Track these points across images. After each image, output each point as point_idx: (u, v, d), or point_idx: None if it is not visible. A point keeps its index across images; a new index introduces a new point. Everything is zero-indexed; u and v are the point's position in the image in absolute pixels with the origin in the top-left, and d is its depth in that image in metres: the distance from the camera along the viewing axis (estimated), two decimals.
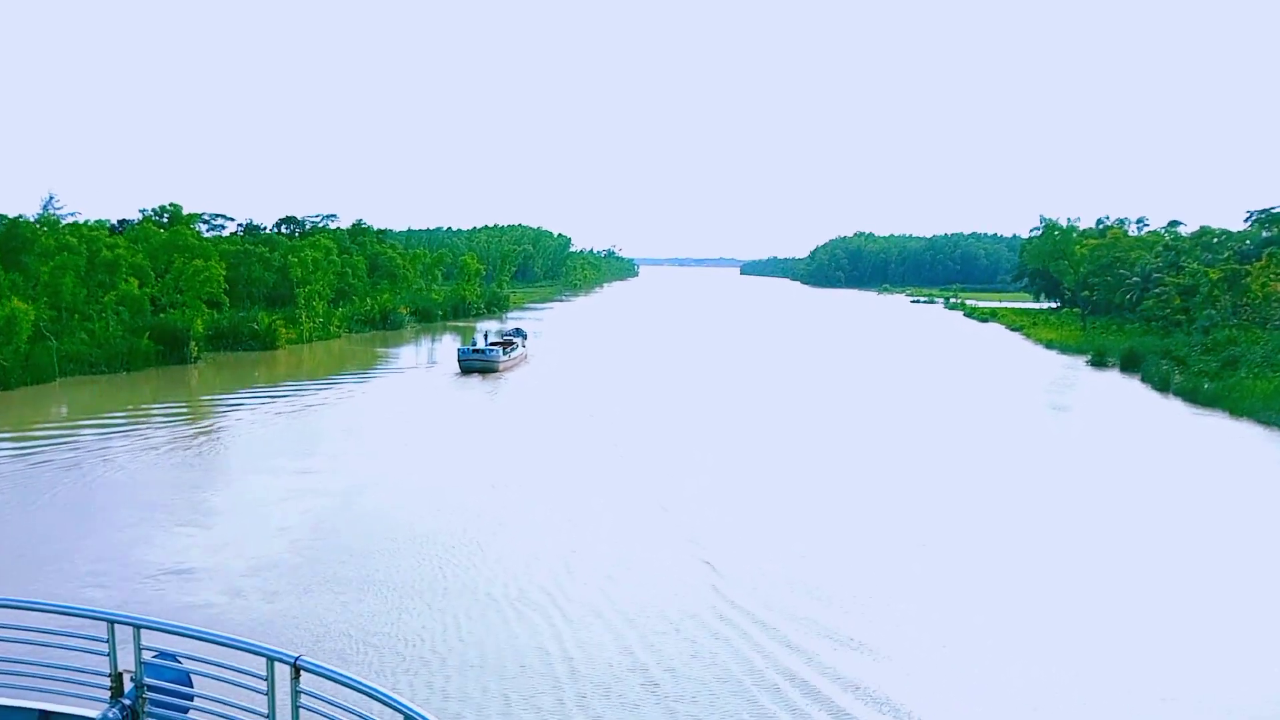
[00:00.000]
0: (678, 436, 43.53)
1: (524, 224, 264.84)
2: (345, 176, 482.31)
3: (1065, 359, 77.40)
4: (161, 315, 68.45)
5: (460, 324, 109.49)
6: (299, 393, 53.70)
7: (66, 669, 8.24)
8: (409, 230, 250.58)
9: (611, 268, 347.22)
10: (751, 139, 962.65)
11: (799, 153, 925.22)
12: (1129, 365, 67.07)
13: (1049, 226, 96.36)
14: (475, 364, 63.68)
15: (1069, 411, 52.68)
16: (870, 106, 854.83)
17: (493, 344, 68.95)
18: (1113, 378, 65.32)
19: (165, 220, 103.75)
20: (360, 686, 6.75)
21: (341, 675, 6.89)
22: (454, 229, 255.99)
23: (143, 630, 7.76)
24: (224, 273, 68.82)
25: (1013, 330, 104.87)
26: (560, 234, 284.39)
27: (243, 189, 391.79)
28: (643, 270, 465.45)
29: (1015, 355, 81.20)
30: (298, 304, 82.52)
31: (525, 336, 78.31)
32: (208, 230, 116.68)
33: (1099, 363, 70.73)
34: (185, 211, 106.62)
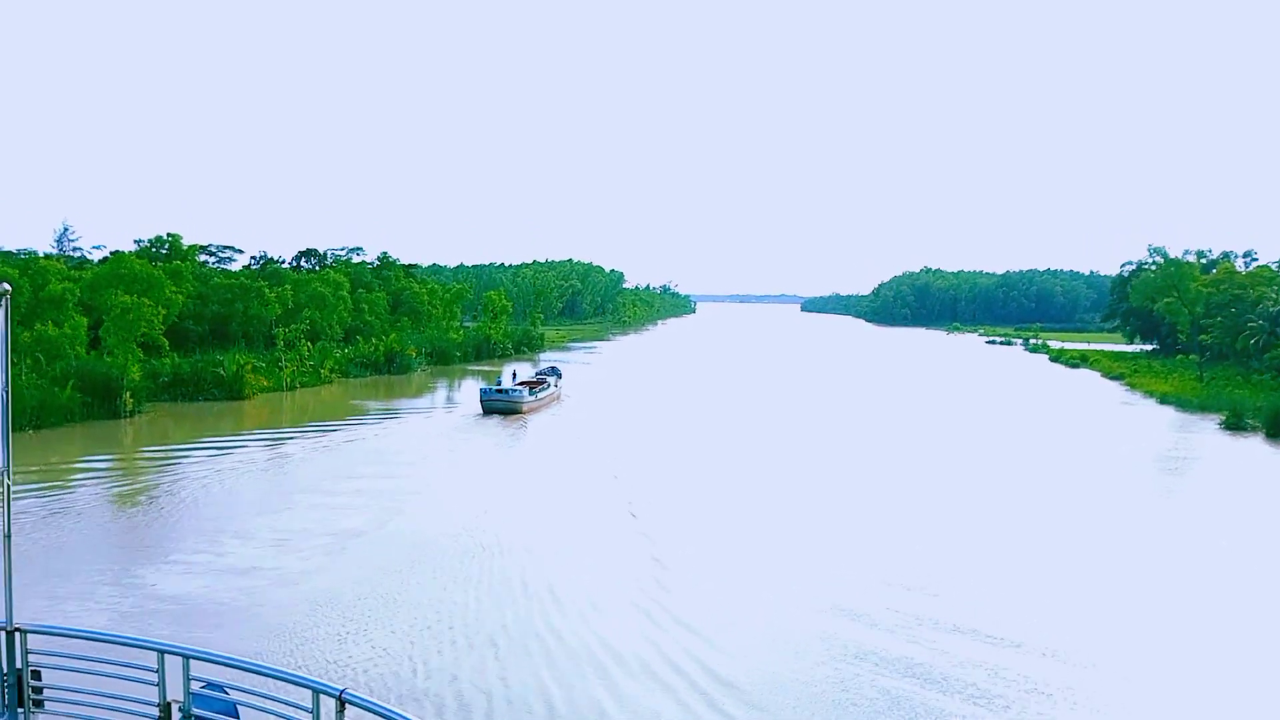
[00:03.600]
0: (722, 515, 34.21)
1: (575, 259, 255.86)
2: (400, 213, 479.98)
3: (1186, 418, 63.46)
4: (108, 359, 58.81)
5: (483, 367, 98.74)
6: (238, 449, 42.63)
7: (115, 698, 8.42)
8: (459, 266, 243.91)
9: (666, 304, 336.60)
10: (814, 172, 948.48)
11: (863, 186, 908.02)
12: (1278, 431, 53.30)
13: (1164, 259, 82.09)
14: (498, 404, 60.02)
15: (1225, 504, 39.25)
16: (937, 138, 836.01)
17: (521, 383, 65.44)
18: (1258, 448, 51.54)
19: (164, 251, 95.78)
20: None
21: (385, 709, 6.91)
22: (505, 265, 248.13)
23: (191, 660, 7.91)
24: (159, 310, 58.40)
25: (1110, 378, 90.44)
26: (613, 270, 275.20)
27: (292, 224, 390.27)
28: (700, 307, 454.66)
29: (1123, 412, 67.34)
30: (277, 346, 72.20)
31: (559, 375, 73.31)
32: (215, 263, 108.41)
33: (1235, 425, 56.73)
34: (186, 242, 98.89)
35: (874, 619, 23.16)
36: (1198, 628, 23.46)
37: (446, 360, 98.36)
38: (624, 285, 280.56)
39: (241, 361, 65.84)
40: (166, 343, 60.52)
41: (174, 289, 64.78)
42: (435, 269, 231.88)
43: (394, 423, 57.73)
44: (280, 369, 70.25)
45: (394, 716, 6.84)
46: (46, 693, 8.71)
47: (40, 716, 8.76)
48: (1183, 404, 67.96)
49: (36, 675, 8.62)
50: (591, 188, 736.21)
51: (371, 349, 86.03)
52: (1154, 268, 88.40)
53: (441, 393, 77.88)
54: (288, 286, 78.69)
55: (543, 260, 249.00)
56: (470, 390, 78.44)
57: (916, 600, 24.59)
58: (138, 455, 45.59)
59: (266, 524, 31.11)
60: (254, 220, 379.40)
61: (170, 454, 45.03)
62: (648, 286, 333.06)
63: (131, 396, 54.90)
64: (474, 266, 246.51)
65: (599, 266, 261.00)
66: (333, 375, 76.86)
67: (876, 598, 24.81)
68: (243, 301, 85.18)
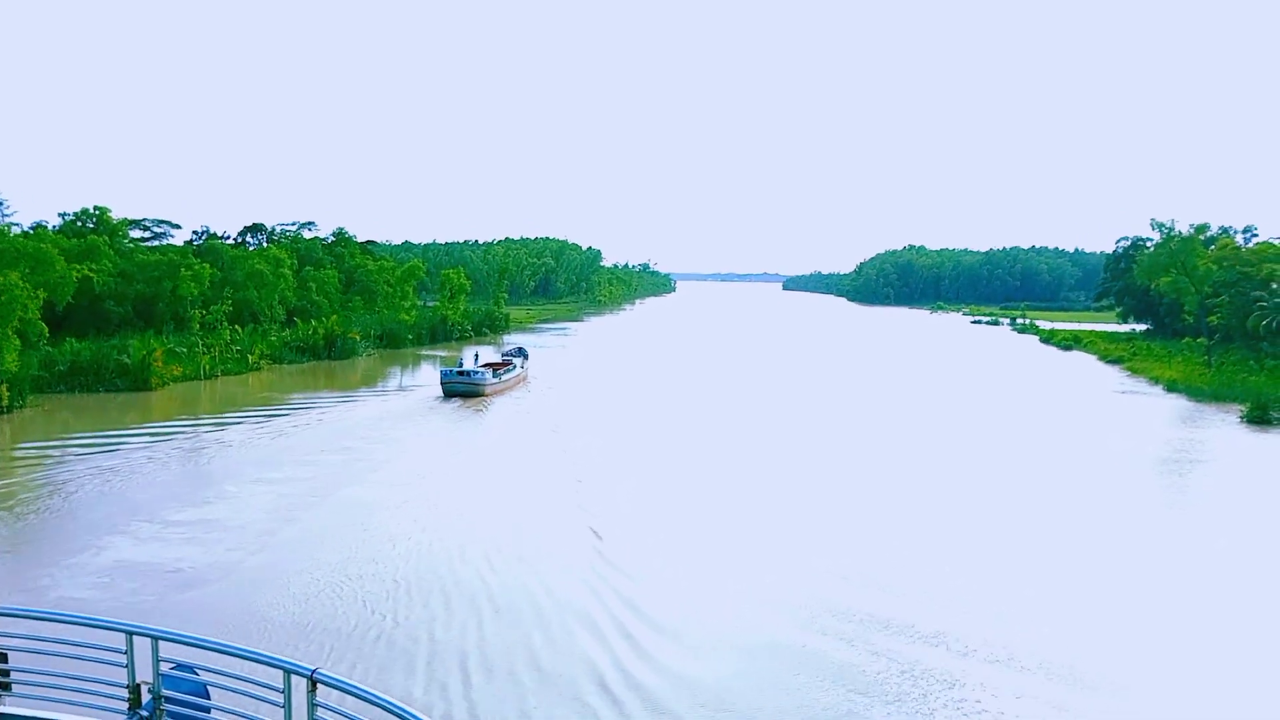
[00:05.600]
0: (692, 523, 30.24)
1: (550, 236, 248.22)
2: (371, 189, 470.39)
3: (1198, 409, 57.40)
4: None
5: (437, 351, 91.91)
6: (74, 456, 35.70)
7: (85, 679, 8.37)
8: (429, 243, 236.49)
9: (645, 283, 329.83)
10: (795, 148, 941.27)
11: (845, 163, 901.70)
12: None
13: (1166, 234, 75.76)
14: (459, 387, 57.75)
15: (1262, 516, 33.08)
16: (920, 114, 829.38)
17: (484, 364, 63.50)
18: None
19: (91, 226, 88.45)
20: (376, 699, 6.73)
21: (357, 688, 6.91)
22: (478, 242, 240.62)
23: (160, 642, 7.83)
24: (36, 291, 51.19)
25: (1108, 362, 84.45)
26: (590, 247, 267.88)
27: (260, 200, 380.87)
28: (681, 285, 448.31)
29: (1127, 402, 61.15)
30: (192, 329, 65.14)
31: (526, 356, 71.42)
32: (150, 238, 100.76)
33: (1259, 419, 50.66)
34: (119, 215, 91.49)
35: (836, 628, 21.11)
36: (1210, 663, 19.74)
37: (397, 344, 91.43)
38: (601, 263, 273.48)
39: (150, 347, 58.84)
40: (45, 329, 53.12)
41: (86, 267, 57.66)
42: (406, 246, 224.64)
43: (333, 409, 52.72)
44: (199, 355, 63.28)
45: (365, 695, 6.80)
46: (14, 675, 8.55)
47: (8, 699, 8.57)
48: (1193, 392, 61.86)
49: (4, 658, 8.47)
50: (571, 165, 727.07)
51: (310, 332, 78.97)
52: (1157, 244, 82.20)
53: (384, 379, 71.16)
54: (206, 263, 71.40)
55: (520, 238, 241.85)
56: (417, 376, 73.31)
57: (883, 604, 22.58)
58: None
59: (86, 562, 24.36)
60: (226, 196, 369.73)
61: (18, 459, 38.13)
62: (626, 265, 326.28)
63: (9, 388, 47.87)
64: (445, 244, 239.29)
65: (575, 244, 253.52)
66: (263, 362, 69.86)
67: (841, 601, 22.76)
68: (171, 280, 78.21)
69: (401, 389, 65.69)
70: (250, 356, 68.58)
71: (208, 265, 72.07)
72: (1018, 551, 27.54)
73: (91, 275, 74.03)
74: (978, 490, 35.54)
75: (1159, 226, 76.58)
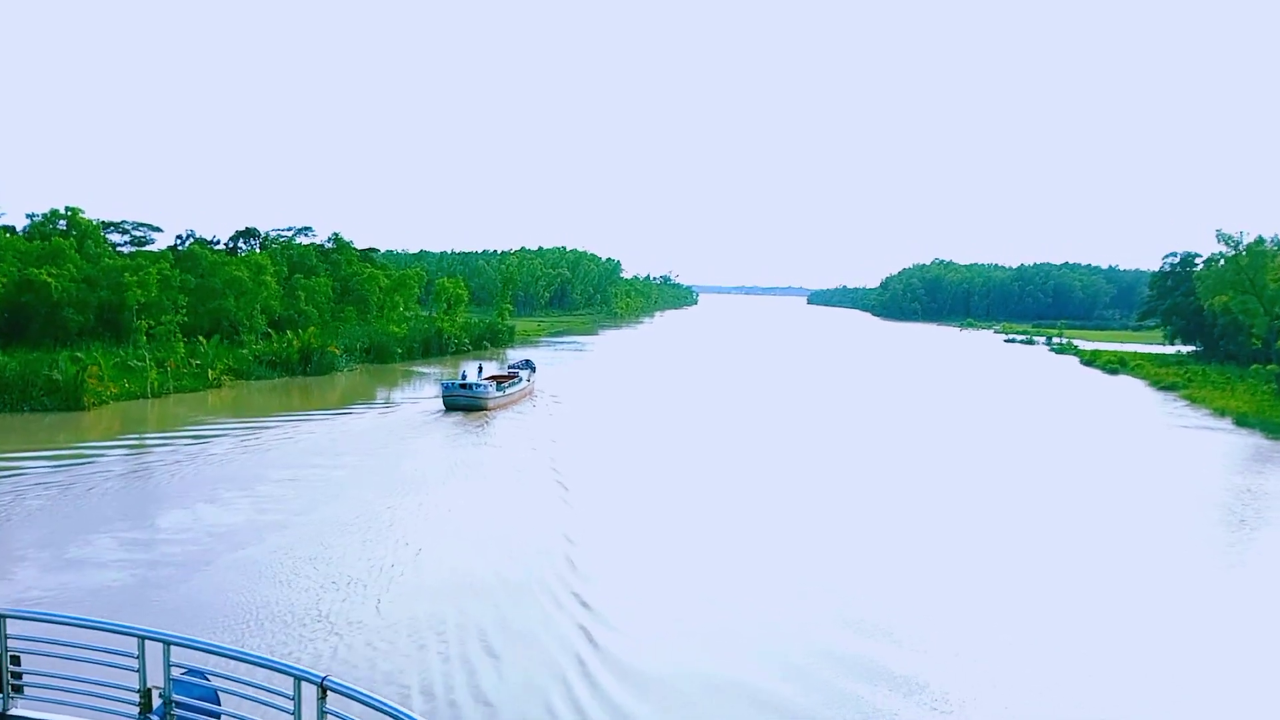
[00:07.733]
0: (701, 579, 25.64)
1: (566, 246, 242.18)
2: (391, 198, 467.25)
3: (1271, 446, 49.85)
4: None
5: (429, 367, 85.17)
6: None
7: (96, 683, 8.26)
8: (444, 252, 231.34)
9: (665, 295, 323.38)
10: (822, 161, 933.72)
11: (871, 176, 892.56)
12: None
13: (1229, 246, 67.92)
14: (460, 401, 55.31)
15: None
16: (949, 127, 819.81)
17: (488, 377, 60.99)
18: None
19: (61, 228, 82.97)
20: (385, 708, 6.68)
21: (367, 696, 6.82)
22: (494, 252, 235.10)
23: (172, 647, 7.71)
24: None
25: (1161, 389, 76.48)
26: (609, 258, 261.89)
27: (280, 207, 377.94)
28: (703, 298, 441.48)
29: (1196, 440, 53.23)
30: (137, 341, 58.90)
31: (533, 369, 68.99)
32: (129, 243, 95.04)
33: None
34: (99, 218, 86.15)
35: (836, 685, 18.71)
36: None
37: (385, 358, 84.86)
38: (621, 275, 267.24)
39: (88, 361, 52.53)
40: None
41: (45, 272, 52.05)
42: (421, 255, 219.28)
43: (293, 427, 46.93)
44: (149, 370, 56.92)
45: (374, 703, 6.73)
46: (26, 678, 8.41)
47: (20, 701, 8.44)
48: (1270, 428, 54.05)
49: (16, 661, 8.36)
50: (595, 176, 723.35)
51: (284, 345, 72.57)
52: (1208, 258, 74.35)
53: (359, 398, 64.27)
54: (152, 268, 65.20)
55: (538, 248, 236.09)
56: (398, 393, 66.91)
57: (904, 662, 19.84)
58: None
59: None
60: (235, 202, 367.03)
61: None
62: (647, 276, 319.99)
63: None
64: (461, 253, 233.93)
65: (592, 254, 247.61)
66: (225, 377, 63.43)
67: (849, 655, 20.20)
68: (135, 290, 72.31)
69: (387, 405, 59.61)
70: (211, 372, 62.22)
71: (153, 269, 65.74)
72: (1050, 610, 23.49)
73: (50, 280, 68.42)
74: (1014, 535, 29.81)
75: (1225, 239, 68.77)
